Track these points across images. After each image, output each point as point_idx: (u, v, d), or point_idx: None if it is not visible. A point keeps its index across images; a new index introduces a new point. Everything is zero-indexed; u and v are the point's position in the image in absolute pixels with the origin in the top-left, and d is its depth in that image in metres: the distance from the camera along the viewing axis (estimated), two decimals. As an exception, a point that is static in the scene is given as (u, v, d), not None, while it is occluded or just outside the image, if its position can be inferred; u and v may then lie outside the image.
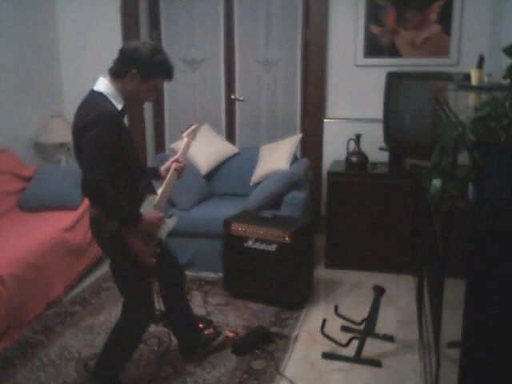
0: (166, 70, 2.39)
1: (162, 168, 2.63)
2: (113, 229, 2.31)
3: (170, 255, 2.71)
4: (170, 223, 2.60)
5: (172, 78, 2.43)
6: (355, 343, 2.86)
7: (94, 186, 2.20)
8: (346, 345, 2.86)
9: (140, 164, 2.50)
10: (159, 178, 2.62)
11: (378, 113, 4.03)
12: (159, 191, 2.53)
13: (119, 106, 2.34)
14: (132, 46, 2.36)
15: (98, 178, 2.18)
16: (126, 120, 2.53)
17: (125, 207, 2.30)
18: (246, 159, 4.33)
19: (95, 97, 2.32)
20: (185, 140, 2.66)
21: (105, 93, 2.32)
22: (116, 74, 2.34)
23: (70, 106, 2.96)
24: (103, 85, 2.34)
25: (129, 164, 2.38)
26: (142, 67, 2.31)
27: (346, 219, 3.94)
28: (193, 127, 2.70)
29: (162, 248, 2.56)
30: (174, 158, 2.61)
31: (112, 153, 2.24)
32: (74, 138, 2.32)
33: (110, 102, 2.31)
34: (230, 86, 4.77)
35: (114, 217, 2.30)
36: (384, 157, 4.10)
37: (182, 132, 2.68)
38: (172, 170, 2.57)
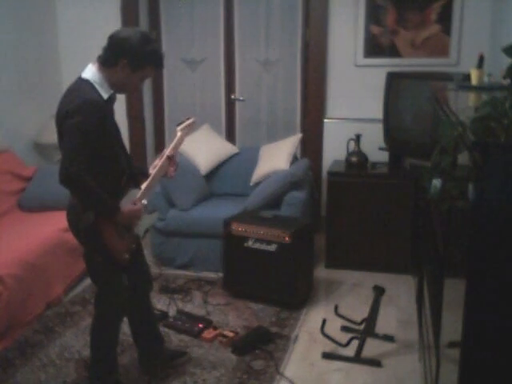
0: (157, 59, 2.32)
1: (151, 167, 2.53)
2: (89, 220, 2.25)
3: (142, 260, 2.65)
4: (148, 220, 2.49)
5: (163, 66, 2.36)
6: (355, 343, 2.86)
7: (72, 175, 2.14)
8: (346, 345, 2.86)
9: (127, 156, 2.43)
10: (147, 176, 2.49)
11: (378, 113, 4.03)
12: (143, 186, 2.42)
13: (105, 95, 2.27)
14: (122, 34, 2.28)
15: (77, 168, 2.12)
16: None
17: (103, 199, 2.23)
18: (245, 159, 4.33)
19: (81, 84, 2.26)
20: (178, 134, 2.53)
21: (91, 80, 2.26)
22: (105, 62, 2.28)
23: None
24: (90, 72, 2.28)
25: (112, 155, 2.32)
26: (133, 57, 2.24)
27: (346, 219, 3.94)
28: (189, 121, 2.57)
29: (138, 245, 2.48)
30: (163, 154, 2.51)
31: (93, 143, 2.18)
32: (56, 126, 2.25)
33: (96, 91, 2.25)
34: (230, 85, 4.77)
35: (91, 208, 2.26)
36: (384, 157, 4.10)
37: (178, 125, 2.55)
38: (160, 164, 2.46)
